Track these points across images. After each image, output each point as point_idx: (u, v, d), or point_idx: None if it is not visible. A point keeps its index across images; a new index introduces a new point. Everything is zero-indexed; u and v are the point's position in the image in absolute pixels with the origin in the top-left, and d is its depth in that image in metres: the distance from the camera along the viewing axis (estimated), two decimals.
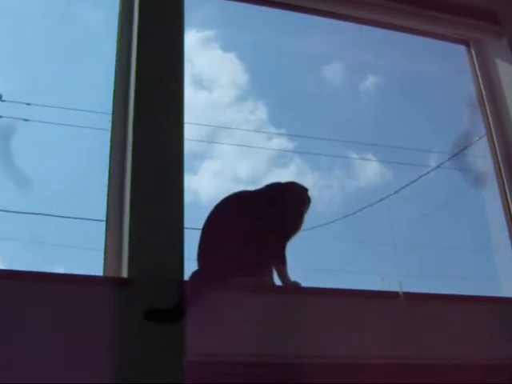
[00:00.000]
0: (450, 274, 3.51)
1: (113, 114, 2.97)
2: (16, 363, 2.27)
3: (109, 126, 2.95)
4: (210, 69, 4.03)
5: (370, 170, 4.10)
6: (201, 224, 2.78)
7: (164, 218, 2.67)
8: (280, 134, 4.06)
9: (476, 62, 3.88)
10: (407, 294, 2.84)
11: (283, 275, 2.76)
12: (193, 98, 3.16)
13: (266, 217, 2.75)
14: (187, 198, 2.76)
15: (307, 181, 2.99)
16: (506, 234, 3.51)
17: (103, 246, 2.76)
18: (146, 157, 2.76)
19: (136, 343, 2.39)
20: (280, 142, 4.06)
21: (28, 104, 3.40)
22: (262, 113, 4.12)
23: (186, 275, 2.62)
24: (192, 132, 3.00)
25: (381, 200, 3.70)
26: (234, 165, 3.98)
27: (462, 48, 3.98)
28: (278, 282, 2.77)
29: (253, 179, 3.83)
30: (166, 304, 2.41)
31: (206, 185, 3.75)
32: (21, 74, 3.35)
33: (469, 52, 3.94)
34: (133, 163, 2.73)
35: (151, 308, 2.38)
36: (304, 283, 2.79)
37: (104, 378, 2.32)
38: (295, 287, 2.77)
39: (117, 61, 3.04)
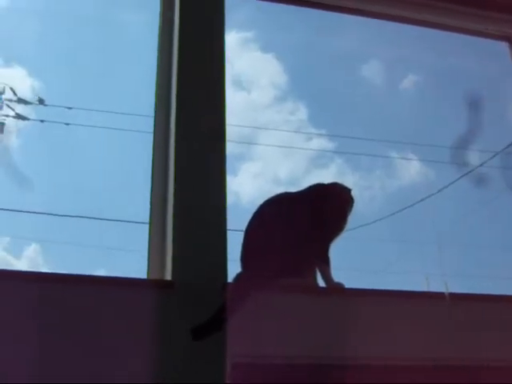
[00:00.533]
0: (495, 274, 3.46)
1: (155, 116, 2.97)
2: (58, 364, 2.28)
3: (151, 128, 2.95)
4: (250, 70, 4.03)
5: (411, 170, 4.07)
6: (242, 225, 2.76)
7: (207, 220, 2.68)
8: (320, 135, 4.05)
9: None
10: (453, 295, 2.81)
11: (327, 276, 2.73)
12: (232, 99, 3.15)
13: (309, 218, 2.73)
14: (228, 199, 2.76)
15: (348, 181, 2.98)
16: None
17: (147, 249, 2.76)
18: (188, 159, 2.76)
19: (178, 345, 2.40)
20: (320, 143, 4.05)
21: (69, 108, 3.42)
22: (301, 113, 4.12)
23: (230, 277, 2.62)
24: (232, 133, 2.99)
25: (422, 200, 3.66)
26: (274, 166, 3.97)
27: (504, 44, 3.93)
28: (321, 283, 2.75)
29: (293, 180, 3.83)
30: (210, 308, 2.39)
31: (246, 186, 3.76)
32: (62, 78, 3.38)
33: (511, 48, 3.88)
34: (175, 165, 2.73)
35: (194, 327, 2.38)
36: (347, 284, 2.76)
37: (146, 380, 2.33)
38: (339, 288, 2.75)
39: (158, 63, 3.04)
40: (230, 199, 2.81)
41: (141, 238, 2.80)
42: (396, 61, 4.04)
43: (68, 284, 2.45)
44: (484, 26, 3.86)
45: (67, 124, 3.39)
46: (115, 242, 3.19)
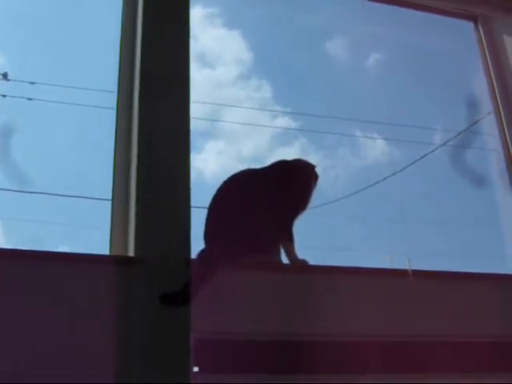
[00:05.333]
0: (458, 251, 3.49)
1: (118, 92, 2.94)
2: (19, 343, 2.27)
3: (114, 104, 2.92)
4: (214, 46, 4.00)
5: (375, 148, 4.08)
6: (205, 203, 2.75)
7: (170, 197, 2.66)
8: (284, 113, 4.03)
9: (483, 38, 3.84)
10: (416, 272, 2.83)
11: (291, 253, 2.74)
12: (196, 76, 3.12)
13: (273, 194, 2.72)
14: (191, 176, 2.74)
15: (312, 159, 2.96)
16: None
17: (109, 225, 2.74)
18: (151, 135, 2.74)
19: (142, 322, 2.39)
20: (284, 121, 4.04)
21: (32, 83, 3.37)
22: (266, 91, 4.10)
23: (193, 254, 2.61)
24: (195, 110, 2.96)
25: (387, 178, 3.67)
26: (237, 143, 3.96)
27: (469, 24, 3.94)
28: (285, 260, 2.75)
29: (257, 158, 3.82)
30: (173, 284, 2.39)
31: (210, 163, 3.74)
32: (25, 53, 3.32)
33: (476, 28, 3.90)
34: (139, 142, 2.71)
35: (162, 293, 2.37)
36: (312, 261, 2.77)
37: (110, 354, 2.33)
38: (303, 265, 2.75)
39: (121, 38, 3.01)
40: (194, 176, 2.80)
41: (104, 214, 2.78)
42: (361, 38, 4.02)
43: (29, 260, 2.42)
44: (450, 4, 3.87)
45: (30, 99, 3.34)
46: (78, 219, 3.15)
